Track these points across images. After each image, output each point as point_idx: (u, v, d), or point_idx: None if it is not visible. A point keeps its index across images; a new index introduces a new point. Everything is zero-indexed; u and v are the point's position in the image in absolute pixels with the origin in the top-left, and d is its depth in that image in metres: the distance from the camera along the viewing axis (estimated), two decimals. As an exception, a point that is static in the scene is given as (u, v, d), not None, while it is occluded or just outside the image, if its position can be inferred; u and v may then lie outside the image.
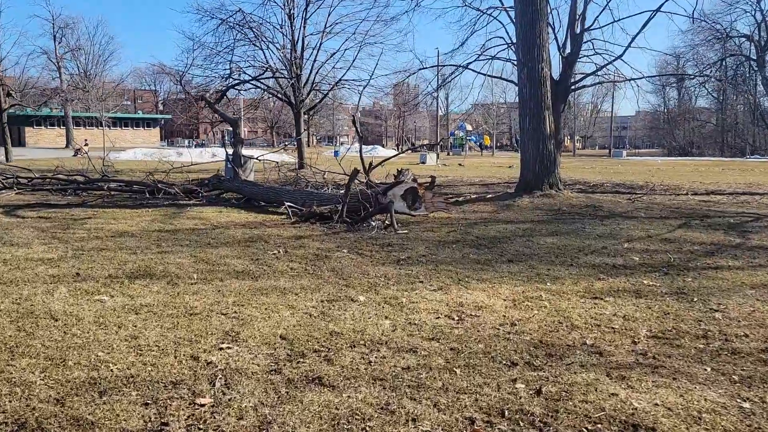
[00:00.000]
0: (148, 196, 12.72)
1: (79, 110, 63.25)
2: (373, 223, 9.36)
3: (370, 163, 11.35)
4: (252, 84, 23.26)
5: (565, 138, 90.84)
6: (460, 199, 13.23)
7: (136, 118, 79.40)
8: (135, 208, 11.46)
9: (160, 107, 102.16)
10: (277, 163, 14.72)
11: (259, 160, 14.57)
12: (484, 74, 18.09)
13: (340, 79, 23.93)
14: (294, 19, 23.35)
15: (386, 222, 9.17)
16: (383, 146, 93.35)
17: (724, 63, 59.96)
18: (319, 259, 6.77)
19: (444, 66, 18.44)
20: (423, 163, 39.39)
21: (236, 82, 18.38)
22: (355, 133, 14.52)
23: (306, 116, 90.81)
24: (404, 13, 18.24)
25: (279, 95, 24.05)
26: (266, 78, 21.82)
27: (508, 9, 16.33)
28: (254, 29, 22.78)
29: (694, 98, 72.89)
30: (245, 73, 21.60)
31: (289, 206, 10.06)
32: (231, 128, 12.87)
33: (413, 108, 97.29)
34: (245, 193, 12.26)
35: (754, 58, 58.53)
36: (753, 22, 57.64)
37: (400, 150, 33.64)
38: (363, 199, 9.86)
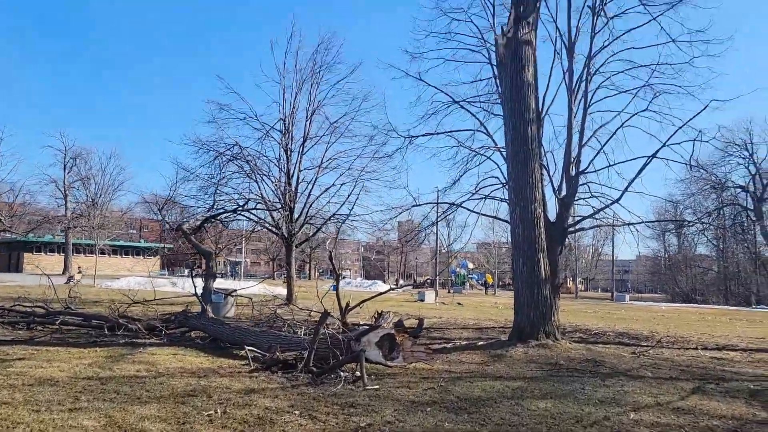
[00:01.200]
0: (107, 332, 11.62)
1: (81, 238, 63.23)
2: (343, 374, 8.20)
3: (347, 304, 10.36)
4: (244, 216, 22.90)
5: (567, 279, 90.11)
6: (449, 345, 12.05)
7: (136, 246, 79.50)
8: (85, 346, 10.32)
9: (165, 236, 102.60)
10: (251, 299, 13.73)
11: (233, 296, 13.60)
12: (478, 213, 17.58)
13: (333, 214, 23.59)
14: (291, 153, 23.44)
15: (356, 373, 8.01)
16: (384, 281, 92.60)
17: (722, 212, 60.46)
18: (261, 424, 5.59)
19: (437, 204, 17.99)
20: (421, 301, 38.28)
21: (218, 212, 17.91)
22: (334, 268, 13.74)
23: (309, 249, 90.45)
24: (397, 150, 17.95)
25: (271, 228, 23.59)
26: (251, 209, 21.45)
27: (501, 149, 16.12)
28: (250, 162, 22.78)
29: (694, 245, 72.86)
30: (236, 203, 21.26)
31: (250, 350, 8.94)
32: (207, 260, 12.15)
33: (416, 244, 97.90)
34: (210, 333, 11.16)
35: (751, 208, 59.05)
36: (748, 173, 58.73)
37: (396, 285, 32.66)
38: (333, 345, 8.76)
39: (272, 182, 23.22)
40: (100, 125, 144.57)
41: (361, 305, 10.73)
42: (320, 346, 8.81)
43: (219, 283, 21.93)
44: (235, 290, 17.25)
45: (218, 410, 6.02)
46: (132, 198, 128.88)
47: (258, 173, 23.00)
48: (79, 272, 45.65)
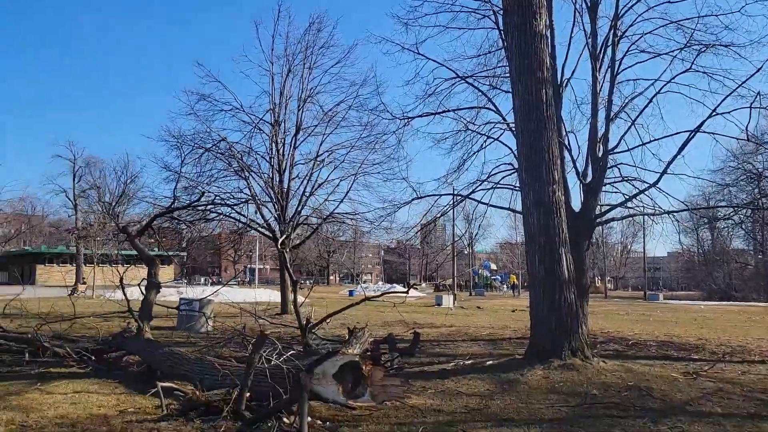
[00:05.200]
0: (27, 358, 9.40)
1: (92, 248, 61.63)
2: (287, 421, 5.87)
3: (308, 320, 7.97)
4: (231, 217, 20.74)
5: (596, 279, 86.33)
6: (449, 366, 9.59)
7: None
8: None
9: (184, 244, 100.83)
10: (206, 316, 11.40)
11: (204, 314, 11.26)
12: (486, 204, 15.12)
13: (331, 213, 21.26)
14: (282, 146, 21.19)
15: (295, 425, 5.62)
16: (405, 285, 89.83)
17: (759, 203, 56.49)
18: None
19: (440, 195, 15.55)
20: (438, 305, 35.70)
21: (164, 210, 15.60)
22: (289, 273, 11.45)
23: (327, 254, 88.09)
24: (393, 135, 15.62)
25: (259, 228, 21.37)
26: (213, 204, 19.05)
27: (512, 127, 13.62)
28: (237, 158, 20.59)
29: (729, 239, 68.89)
30: (222, 202, 19.03)
31: (165, 388, 6.60)
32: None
33: (436, 244, 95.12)
34: (143, 359, 8.87)
35: (794, 197, 55.24)
36: (784, 161, 54.80)
37: (408, 286, 29.88)
38: (276, 379, 6.40)
39: (262, 179, 21.01)
40: (79, 118, 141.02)
41: (328, 320, 8.32)
42: (261, 380, 6.48)
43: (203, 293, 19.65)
44: (210, 300, 14.99)
45: None
46: (146, 207, 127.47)
47: (247, 171, 20.78)
48: (84, 283, 44.06)
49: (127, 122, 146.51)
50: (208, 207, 18.98)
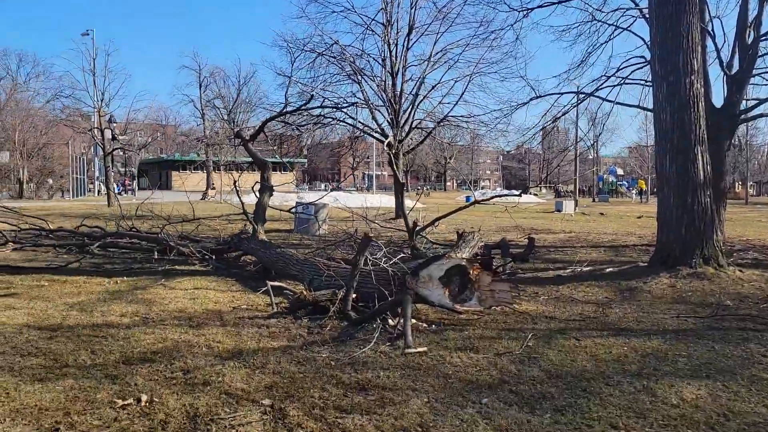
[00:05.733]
0: (156, 256, 10.05)
1: (218, 155, 65.29)
2: (392, 322, 5.82)
3: (414, 223, 7.76)
4: (344, 122, 20.71)
5: (736, 184, 79.38)
6: (565, 272, 9.14)
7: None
8: (113, 275, 8.78)
9: (305, 152, 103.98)
10: (318, 219, 11.53)
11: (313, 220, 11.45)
12: (612, 101, 13.88)
13: (446, 116, 20.65)
14: (395, 47, 20.56)
15: (399, 327, 5.52)
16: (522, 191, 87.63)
17: None
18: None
19: (561, 94, 14.45)
20: (559, 211, 34.58)
21: (275, 114, 15.66)
22: (395, 177, 10.98)
23: (444, 160, 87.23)
24: (510, 27, 14.32)
25: (372, 133, 21.26)
26: (324, 107, 18.92)
27: (646, 14, 12.16)
28: (350, 62, 20.29)
29: None
30: (333, 106, 19.02)
31: (275, 287, 6.74)
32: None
33: (557, 148, 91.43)
34: (258, 259, 9.17)
35: None
36: None
37: (522, 190, 28.93)
38: (381, 282, 6.32)
39: (375, 82, 20.66)
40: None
41: (436, 223, 8.09)
42: (367, 282, 6.44)
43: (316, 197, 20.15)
44: (325, 204, 15.27)
45: (143, 397, 3.85)
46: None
47: (360, 74, 20.47)
48: (213, 188, 46.95)
49: (247, 32, 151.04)
50: (321, 111, 19.06)
